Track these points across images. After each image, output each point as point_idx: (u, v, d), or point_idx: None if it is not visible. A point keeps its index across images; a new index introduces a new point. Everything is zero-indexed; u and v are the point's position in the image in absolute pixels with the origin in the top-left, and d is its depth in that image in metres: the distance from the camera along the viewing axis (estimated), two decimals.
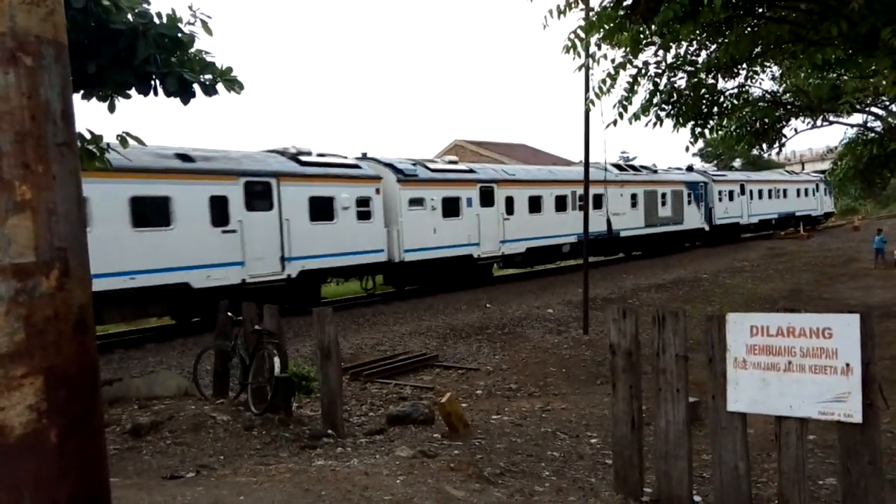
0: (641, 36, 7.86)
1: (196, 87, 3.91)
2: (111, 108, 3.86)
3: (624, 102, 8.81)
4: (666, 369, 4.60)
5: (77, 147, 1.57)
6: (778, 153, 16.15)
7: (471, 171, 20.81)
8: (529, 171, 23.84)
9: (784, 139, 14.82)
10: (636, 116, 9.56)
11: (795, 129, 15.22)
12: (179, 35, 3.76)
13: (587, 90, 11.72)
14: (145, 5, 3.67)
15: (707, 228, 31.54)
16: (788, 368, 4.10)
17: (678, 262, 25.96)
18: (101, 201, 11.91)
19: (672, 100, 10.20)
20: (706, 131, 11.26)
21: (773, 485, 5.12)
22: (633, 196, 26.86)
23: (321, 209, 15.81)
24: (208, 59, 3.93)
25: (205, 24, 3.80)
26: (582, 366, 11.55)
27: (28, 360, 1.41)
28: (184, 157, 13.92)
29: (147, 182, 12.82)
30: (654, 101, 9.86)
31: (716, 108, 11.19)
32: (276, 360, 7.01)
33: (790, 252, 28.25)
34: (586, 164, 14.19)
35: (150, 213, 12.83)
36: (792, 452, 4.10)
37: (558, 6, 7.24)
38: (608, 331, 5.00)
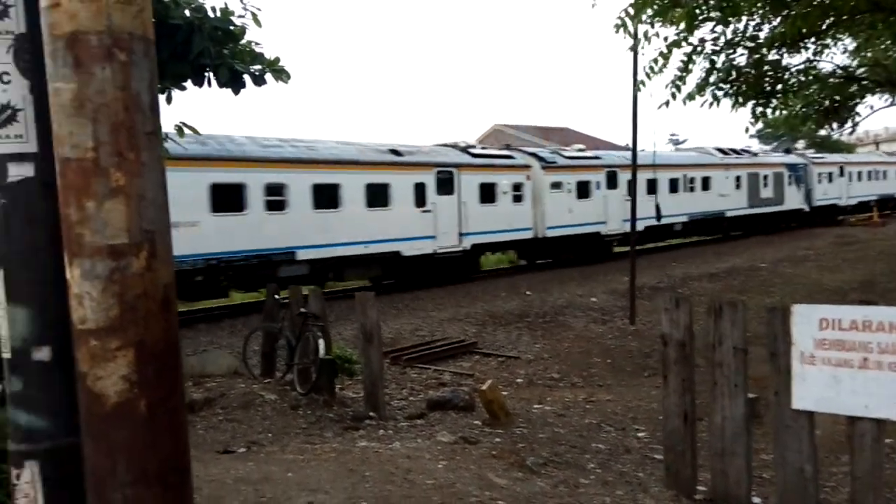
0: (698, 11, 7.78)
1: (246, 77, 4.15)
2: (168, 100, 4.14)
3: (677, 82, 8.73)
4: (723, 362, 4.51)
5: (161, 135, 1.75)
6: (850, 133, 15.59)
7: (597, 157, 23.82)
8: (647, 157, 25.78)
9: (857, 118, 14.30)
10: (690, 97, 9.43)
11: (871, 107, 14.66)
12: (231, 27, 3.98)
13: (636, 71, 11.62)
14: (200, 0, 3.91)
15: (807, 209, 33.15)
16: (864, 365, 3.91)
17: (732, 251, 25.25)
18: (347, 187, 16.04)
19: (730, 78, 10.00)
20: (768, 111, 11.00)
21: (842, 490, 4.96)
22: (738, 178, 28.94)
23: (487, 193, 19.36)
24: (257, 50, 4.16)
25: (254, 16, 4.03)
26: (628, 357, 11.55)
27: (122, 334, 1.59)
28: (395, 152, 17.83)
29: (375, 173, 16.82)
30: (711, 79, 9.70)
31: (779, 86, 10.90)
32: (321, 343, 7.37)
33: (862, 240, 26.91)
34: (634, 147, 14.07)
35: (377, 196, 16.66)
36: (867, 456, 3.91)
37: None
38: (659, 321, 4.94)
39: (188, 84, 4.10)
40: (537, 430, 7.05)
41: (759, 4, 8.70)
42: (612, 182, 23.22)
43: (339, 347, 8.72)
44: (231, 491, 4.16)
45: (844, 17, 8.68)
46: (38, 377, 1.76)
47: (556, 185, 21.44)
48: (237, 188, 14.28)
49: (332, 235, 15.66)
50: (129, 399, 1.58)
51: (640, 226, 21.76)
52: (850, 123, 14.38)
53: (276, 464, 4.76)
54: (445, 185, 18.19)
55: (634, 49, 8.57)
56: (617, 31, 7.49)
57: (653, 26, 7.91)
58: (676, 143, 50.88)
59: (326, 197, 15.75)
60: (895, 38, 10.22)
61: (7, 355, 1.76)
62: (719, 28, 9.00)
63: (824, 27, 9.35)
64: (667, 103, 8.85)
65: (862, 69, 13.00)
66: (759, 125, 12.56)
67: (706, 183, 27.19)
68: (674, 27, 7.93)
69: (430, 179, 17.88)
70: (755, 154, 31.98)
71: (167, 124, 4.03)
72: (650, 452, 6.40)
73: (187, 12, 3.67)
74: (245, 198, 14.40)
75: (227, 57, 3.98)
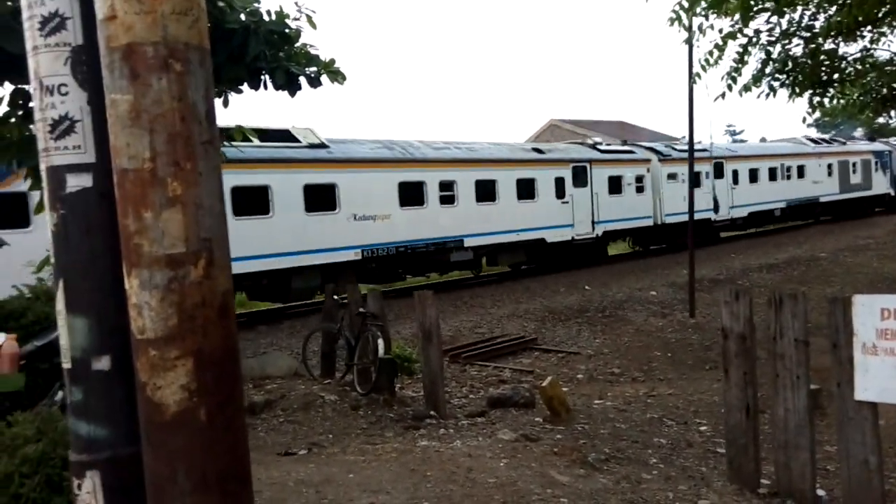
0: (752, 2, 7.47)
1: (302, 79, 4.08)
2: (225, 103, 4.10)
3: (733, 74, 8.43)
4: (784, 354, 4.43)
5: (219, 145, 1.69)
6: None
7: (705, 149, 24.18)
8: (751, 148, 28.86)
9: None
10: (747, 88, 9.12)
11: None
12: (287, 30, 3.92)
13: (691, 63, 11.23)
14: (256, 4, 3.86)
15: (893, 193, 33.99)
16: None
17: (792, 241, 24.46)
18: (502, 182, 17.52)
19: (787, 69, 9.63)
20: (825, 100, 10.56)
21: None
22: (829, 166, 30.10)
23: (614, 185, 20.69)
24: (312, 52, 4.08)
25: (309, 19, 3.96)
26: (689, 350, 11.21)
27: (180, 343, 1.54)
28: (538, 150, 19.60)
29: (523, 169, 18.28)
30: (767, 70, 9.36)
31: (836, 75, 10.47)
32: (380, 342, 7.27)
33: None
34: (691, 139, 13.66)
35: (524, 189, 18.12)
36: None
37: None
38: (719, 314, 4.84)
39: (244, 87, 4.08)
40: (598, 425, 6.88)
41: None
42: (718, 172, 24.37)
43: (399, 346, 8.62)
44: (292, 493, 4.11)
45: None
46: (98, 387, 1.73)
47: (672, 176, 22.70)
48: (419, 185, 15.97)
49: (491, 225, 17.20)
50: (189, 408, 1.53)
51: (744, 212, 25.16)
52: None
53: (337, 465, 4.70)
54: (580, 178, 19.63)
55: (689, 41, 8.28)
56: (672, 24, 7.24)
57: (707, 18, 7.62)
58: (733, 134, 49.36)
59: (486, 191, 17.28)
60: None
61: (67, 365, 1.73)
62: (774, 19, 8.65)
63: (881, 15, 8.89)
64: (723, 95, 8.55)
65: None
66: (817, 114, 12.05)
67: (801, 171, 28.34)
68: (728, 19, 7.64)
69: (567, 174, 19.34)
70: (844, 143, 32.72)
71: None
72: (713, 446, 6.24)
73: (243, 16, 3.64)
74: (424, 193, 16.08)
75: (282, 60, 3.93)
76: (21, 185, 9.75)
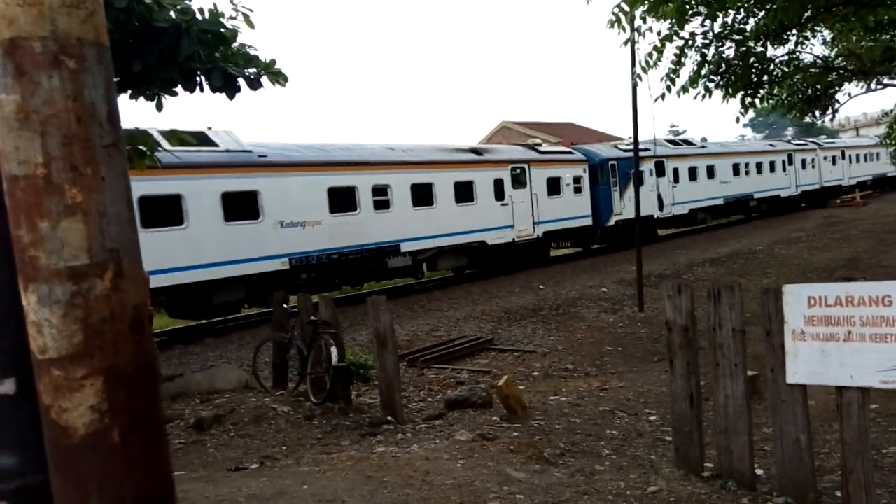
0: (687, 6, 7.58)
1: (241, 81, 3.87)
2: (159, 107, 3.85)
3: (671, 75, 8.53)
4: (723, 344, 4.51)
5: (124, 148, 1.55)
6: (831, 119, 15.47)
7: (647, 149, 25.50)
8: (690, 147, 28.97)
9: (837, 105, 14.18)
10: (685, 89, 9.26)
11: (849, 94, 14.54)
12: (222, 30, 3.70)
13: (633, 65, 11.37)
14: (187, 2, 3.62)
15: (817, 187, 35.82)
16: (848, 338, 4.01)
17: (732, 236, 25.16)
18: (441, 185, 17.08)
19: (721, 70, 9.82)
20: (756, 101, 10.82)
21: (835, 456, 5.00)
22: (782, 162, 32.28)
23: (553, 186, 20.57)
24: (251, 52, 3.87)
25: (247, 18, 3.74)
26: (638, 343, 11.33)
27: (88, 362, 1.40)
28: (476, 151, 19.30)
29: (460, 171, 17.79)
30: (703, 72, 9.52)
31: (766, 77, 10.73)
32: (334, 350, 7.03)
33: (846, 220, 26.99)
34: (635, 139, 13.85)
35: (463, 192, 17.62)
36: (854, 423, 4.02)
37: None
38: (663, 307, 4.86)
39: (179, 90, 3.83)
40: (553, 421, 6.87)
41: None
42: (660, 171, 25.03)
43: (354, 353, 8.38)
44: None
45: (822, 10, 8.48)
46: (2, 412, 1.56)
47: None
48: (350, 190, 15.33)
49: (430, 229, 16.68)
50: (100, 429, 1.39)
51: (685, 209, 25.87)
52: (830, 110, 14.23)
53: (291, 477, 4.51)
54: (519, 179, 19.43)
55: (632, 43, 8.35)
56: (611, 27, 7.28)
57: (645, 21, 7.69)
58: (676, 133, 50.59)
59: (423, 195, 16.75)
60: (866, 29, 10.05)
61: None
62: (708, 22, 8.79)
63: (803, 20, 9.17)
64: (662, 96, 8.66)
65: (839, 59, 12.88)
66: (750, 114, 12.36)
67: (736, 169, 29.43)
68: (666, 22, 7.72)
69: (506, 175, 19.07)
70: (788, 142, 36.55)
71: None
72: (661, 435, 6.31)
73: (173, 14, 3.40)
74: (357, 198, 15.47)
75: (219, 61, 3.69)
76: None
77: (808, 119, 15.31)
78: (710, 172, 27.27)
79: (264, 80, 3.96)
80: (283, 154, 14.34)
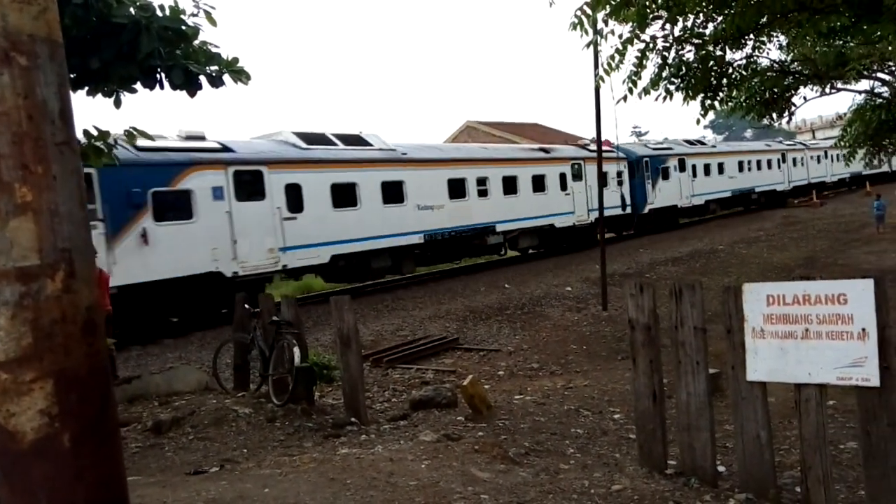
0: (648, 10, 7.70)
1: (203, 79, 3.81)
2: (117, 104, 3.75)
3: (633, 77, 8.66)
4: (685, 342, 4.57)
5: (77, 146, 1.52)
6: (788, 122, 15.90)
7: (670, 147, 29.38)
8: (729, 146, 34.94)
9: (793, 108, 14.56)
10: (646, 91, 9.40)
11: (804, 98, 14.96)
12: (183, 27, 3.64)
13: (596, 67, 11.53)
14: None
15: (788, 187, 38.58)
16: (806, 336, 4.09)
17: (694, 235, 25.69)
18: (522, 178, 20.91)
19: (681, 73, 10.00)
20: (716, 103, 11.06)
21: (795, 451, 5.09)
22: (778, 160, 36.30)
23: (602, 180, 21.90)
24: (213, 50, 3.81)
25: (208, 15, 3.67)
26: (602, 342, 11.47)
27: (37, 364, 1.37)
28: (545, 150, 23.03)
29: (535, 167, 21.67)
30: (664, 75, 9.68)
31: (724, 80, 10.97)
32: (296, 350, 6.93)
33: (804, 220, 27.85)
34: (598, 140, 14.04)
35: (538, 184, 21.47)
36: (812, 419, 4.10)
37: None
38: (626, 306, 4.92)
39: (139, 87, 3.75)
40: (519, 420, 6.91)
41: (703, 4, 8.67)
42: (682, 167, 28.73)
43: (317, 354, 8.26)
44: None
45: (777, 16, 8.71)
46: None
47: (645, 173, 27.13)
48: (461, 181, 18.75)
49: (515, 213, 20.37)
50: (50, 434, 1.36)
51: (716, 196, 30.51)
52: (787, 113, 14.63)
53: (252, 480, 4.43)
54: (577, 173, 23.17)
55: (594, 45, 8.45)
56: (574, 29, 7.35)
57: (607, 24, 7.80)
58: (639, 135, 51.65)
59: (510, 186, 20.40)
60: (819, 35, 10.36)
61: None
62: (668, 26, 8.95)
63: (760, 25, 9.40)
64: (624, 98, 8.78)
65: (794, 64, 13.23)
66: (711, 116, 12.64)
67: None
68: (627, 25, 7.83)
69: (567, 170, 22.80)
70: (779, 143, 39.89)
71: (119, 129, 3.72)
72: (625, 433, 6.39)
73: (132, 10, 3.33)
74: (466, 188, 18.87)
75: (179, 58, 3.62)
76: (188, 182, 12.89)
77: (765, 121, 15.69)
78: (721, 169, 31.22)
79: (226, 78, 3.90)
80: (417, 152, 18.12)
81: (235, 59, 3.86)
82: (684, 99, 10.28)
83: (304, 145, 15.55)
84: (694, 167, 29.47)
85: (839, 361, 3.97)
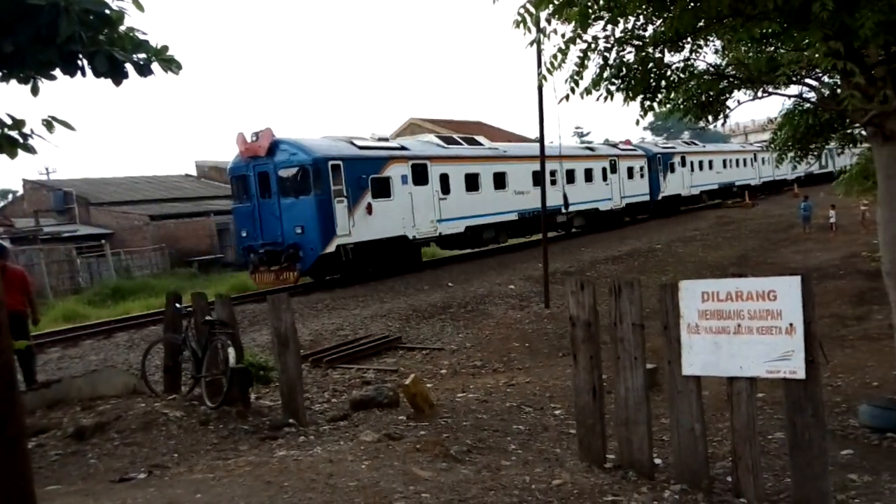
0: (590, 10, 7.79)
1: (129, 67, 3.60)
2: (34, 91, 3.51)
3: (575, 77, 8.75)
4: (623, 338, 4.67)
5: None
6: (723, 125, 16.44)
7: (673, 146, 36.65)
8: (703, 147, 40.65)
9: (728, 111, 15.07)
10: (587, 91, 9.50)
11: (738, 101, 15.48)
12: (107, 11, 3.42)
13: (539, 65, 11.63)
14: None
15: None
16: (738, 331, 4.25)
17: (633, 234, 26.40)
18: (578, 170, 27.08)
19: (621, 74, 10.16)
20: (655, 105, 11.31)
21: (727, 443, 5.26)
22: (746, 160, 43.41)
23: (630, 173, 30.58)
24: (141, 37, 3.60)
25: (135, 0, 3.48)
26: (544, 339, 11.64)
27: None
28: (590, 148, 29.96)
29: (586, 161, 27.82)
30: (605, 75, 9.80)
31: (663, 82, 11.23)
32: (231, 351, 6.70)
33: (737, 220, 29.01)
34: (541, 139, 14.20)
35: (588, 175, 27.44)
36: (743, 410, 4.25)
37: None
38: (568, 303, 4.99)
39: (58, 73, 3.50)
40: (461, 418, 6.93)
41: (643, 6, 8.84)
42: (684, 163, 34.91)
43: (253, 354, 8.04)
44: None
45: (713, 21, 8.97)
46: None
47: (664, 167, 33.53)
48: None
49: (574, 198, 25.63)
50: None
51: (707, 188, 37.26)
52: (722, 116, 15.12)
53: (183, 486, 4.26)
54: (612, 166, 29.11)
55: (537, 44, 8.49)
56: (517, 27, 7.37)
57: (550, 23, 7.84)
58: (581, 135, 53.01)
59: (570, 177, 26.03)
60: (752, 40, 10.74)
61: None
62: (610, 27, 9.07)
63: (697, 29, 9.65)
64: (567, 97, 8.82)
65: (729, 67, 13.66)
66: (650, 117, 12.98)
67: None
68: (570, 24, 7.89)
69: (607, 165, 28.85)
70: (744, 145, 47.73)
71: (35, 119, 3.47)
72: (566, 428, 6.50)
73: None
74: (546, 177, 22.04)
75: (103, 44, 3.39)
76: (388, 171, 18.29)
77: (701, 124, 16.19)
78: (711, 165, 37.83)
79: (155, 66, 3.68)
80: (513, 150, 24.29)
81: (165, 48, 3.65)
82: (625, 100, 10.44)
83: (445, 145, 21.54)
84: (692, 163, 35.74)
85: (768, 355, 4.14)
